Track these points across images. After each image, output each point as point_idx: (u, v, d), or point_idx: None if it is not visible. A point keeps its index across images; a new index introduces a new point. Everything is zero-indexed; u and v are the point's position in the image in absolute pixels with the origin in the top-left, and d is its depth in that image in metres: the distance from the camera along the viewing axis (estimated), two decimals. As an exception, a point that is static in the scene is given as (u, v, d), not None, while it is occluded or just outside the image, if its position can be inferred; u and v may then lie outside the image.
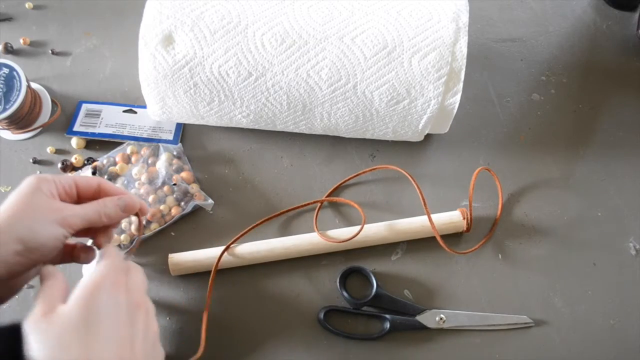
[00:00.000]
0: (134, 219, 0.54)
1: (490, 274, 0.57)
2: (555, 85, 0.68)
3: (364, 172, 0.60)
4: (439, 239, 0.55)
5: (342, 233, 0.56)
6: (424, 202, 0.56)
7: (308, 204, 0.58)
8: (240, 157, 0.61)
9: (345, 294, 0.54)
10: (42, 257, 0.38)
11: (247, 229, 0.56)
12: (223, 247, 0.54)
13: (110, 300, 0.36)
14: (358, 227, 0.56)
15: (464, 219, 0.56)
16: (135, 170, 0.57)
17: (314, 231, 0.56)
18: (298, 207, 0.58)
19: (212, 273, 0.54)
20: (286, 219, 0.58)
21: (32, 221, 0.37)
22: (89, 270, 0.42)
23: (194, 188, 0.58)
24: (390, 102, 0.54)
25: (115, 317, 0.36)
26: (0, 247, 0.36)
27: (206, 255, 0.54)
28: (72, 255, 0.44)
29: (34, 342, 0.33)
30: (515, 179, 0.62)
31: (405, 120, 0.56)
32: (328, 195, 0.59)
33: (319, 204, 0.58)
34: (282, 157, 0.61)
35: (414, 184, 0.58)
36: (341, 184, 0.60)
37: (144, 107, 0.62)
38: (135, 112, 0.62)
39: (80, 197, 0.43)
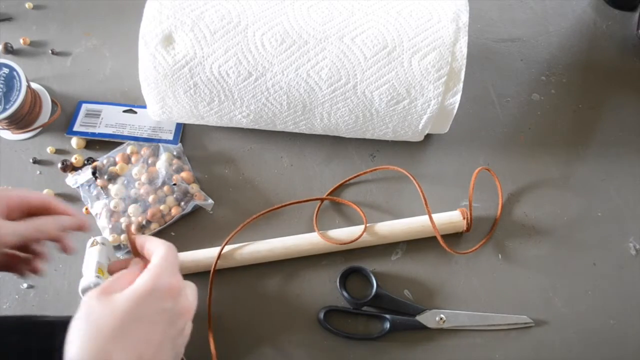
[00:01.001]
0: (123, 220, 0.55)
1: (490, 274, 0.57)
2: (555, 85, 0.68)
3: (364, 173, 0.60)
4: (439, 238, 0.55)
5: (343, 233, 0.56)
6: (425, 201, 0.56)
7: (309, 200, 0.58)
8: (240, 157, 0.61)
9: (345, 294, 0.54)
10: None
11: (243, 224, 0.56)
12: (225, 247, 0.54)
13: (158, 305, 0.38)
14: (358, 227, 0.56)
15: (464, 219, 0.56)
16: (135, 171, 0.57)
17: (314, 231, 0.56)
18: (297, 202, 0.58)
19: (210, 275, 0.54)
20: (286, 219, 0.58)
21: None
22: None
23: (194, 188, 0.58)
24: (390, 102, 0.54)
25: (155, 322, 0.38)
26: None
27: (206, 255, 0.54)
28: (10, 265, 0.44)
29: (79, 313, 0.36)
30: (515, 179, 0.62)
31: (405, 120, 0.56)
32: (328, 195, 0.59)
33: (319, 203, 0.58)
34: (282, 157, 0.61)
35: (415, 184, 0.58)
36: (341, 184, 0.60)
37: (144, 107, 0.62)
38: (135, 112, 0.62)
39: (31, 212, 0.43)
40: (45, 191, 0.58)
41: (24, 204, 0.43)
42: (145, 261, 0.43)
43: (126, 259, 0.43)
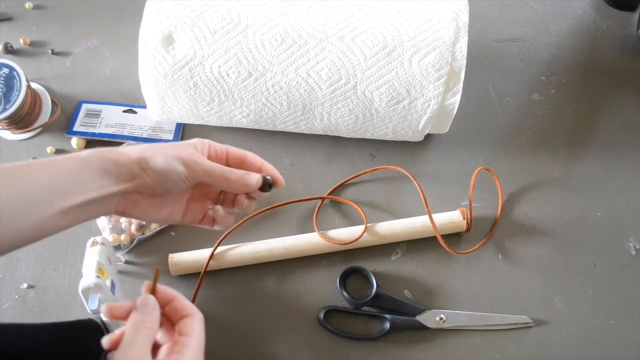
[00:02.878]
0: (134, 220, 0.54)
1: (490, 274, 0.57)
2: (555, 85, 0.68)
3: (364, 173, 0.60)
4: (439, 238, 0.55)
5: (343, 233, 0.56)
6: (425, 201, 0.56)
7: (308, 199, 0.58)
8: (240, 157, 0.61)
9: (345, 294, 0.54)
10: (166, 188, 0.40)
11: (239, 223, 0.56)
12: (224, 247, 0.54)
13: None
14: (358, 227, 0.56)
15: (464, 219, 0.56)
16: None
17: (313, 231, 0.56)
18: (297, 201, 0.58)
19: (201, 275, 0.53)
20: (286, 219, 0.58)
21: (160, 150, 0.40)
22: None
23: (194, 188, 0.58)
24: (390, 102, 0.54)
25: None
26: (125, 157, 0.39)
27: (206, 255, 0.54)
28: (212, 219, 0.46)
29: None
30: (515, 179, 0.62)
31: (405, 120, 0.56)
32: (328, 195, 0.59)
33: (319, 203, 0.58)
34: (282, 157, 0.61)
35: (415, 184, 0.58)
36: (341, 183, 0.60)
37: (144, 107, 0.62)
38: (135, 112, 0.62)
39: (229, 164, 0.45)
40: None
41: (223, 153, 0.45)
42: (159, 300, 0.38)
43: (130, 302, 0.37)
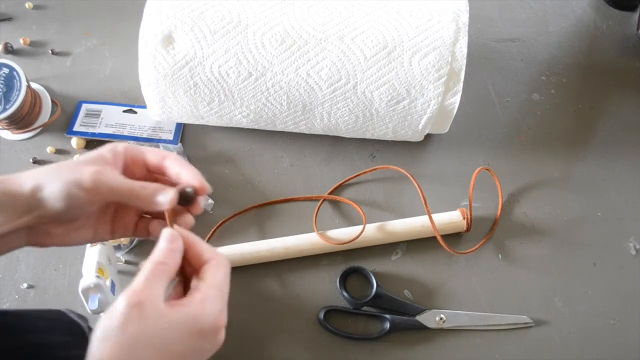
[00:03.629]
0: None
1: (490, 274, 0.57)
2: (555, 85, 0.68)
3: (364, 173, 0.60)
4: (439, 238, 0.55)
5: (342, 233, 0.55)
6: (425, 201, 0.56)
7: (307, 198, 0.58)
8: (240, 157, 0.61)
9: (345, 294, 0.54)
10: (71, 215, 0.36)
11: (234, 213, 0.56)
12: (224, 247, 0.54)
13: (194, 344, 0.34)
14: (358, 227, 0.56)
15: (464, 219, 0.56)
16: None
17: (313, 231, 0.56)
18: (294, 199, 0.58)
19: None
20: (286, 219, 0.58)
21: (57, 174, 0.36)
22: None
23: (194, 188, 0.58)
24: (390, 102, 0.54)
25: (185, 355, 0.33)
26: (17, 188, 0.35)
27: (206, 255, 0.54)
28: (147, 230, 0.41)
29: (110, 323, 0.32)
30: (515, 179, 0.62)
31: (405, 120, 0.56)
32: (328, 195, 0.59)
33: (319, 203, 0.58)
34: (282, 157, 0.61)
35: (415, 184, 0.58)
36: (341, 183, 0.60)
37: (144, 107, 0.62)
38: (135, 112, 0.62)
39: (150, 170, 0.40)
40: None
41: (140, 159, 0.40)
42: (181, 236, 0.36)
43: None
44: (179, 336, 0.33)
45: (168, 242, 0.36)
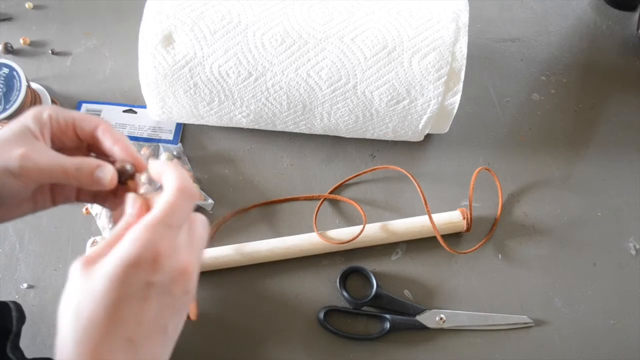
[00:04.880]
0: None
1: (490, 274, 0.57)
2: (555, 85, 0.68)
3: (364, 173, 0.60)
4: (439, 238, 0.55)
5: (342, 233, 0.55)
6: (425, 201, 0.56)
7: (307, 197, 0.58)
8: (240, 157, 0.61)
9: (345, 294, 0.54)
10: (5, 199, 0.34)
11: (231, 213, 0.56)
12: (224, 247, 0.54)
13: (145, 278, 0.31)
14: (358, 227, 0.56)
15: (464, 218, 0.56)
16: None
17: (313, 231, 0.56)
18: (295, 199, 0.58)
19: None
20: (286, 219, 0.58)
21: None
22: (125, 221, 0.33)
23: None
24: (390, 102, 0.54)
25: (145, 298, 0.31)
26: None
27: (206, 255, 0.54)
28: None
29: (65, 292, 0.31)
30: (515, 179, 0.62)
31: (405, 120, 0.56)
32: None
33: (319, 202, 0.58)
34: (282, 157, 0.61)
35: (415, 184, 0.58)
36: (341, 183, 0.60)
37: (144, 107, 0.62)
38: (135, 112, 0.62)
39: (81, 139, 0.37)
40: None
41: (69, 126, 0.36)
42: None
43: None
44: (122, 279, 0.30)
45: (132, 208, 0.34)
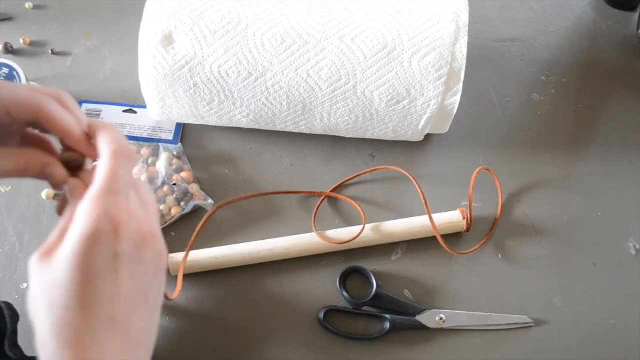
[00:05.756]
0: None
1: (490, 274, 0.57)
2: (555, 85, 0.68)
3: (364, 173, 0.60)
4: (439, 238, 0.55)
5: (342, 233, 0.55)
6: (425, 201, 0.56)
7: (307, 192, 0.58)
8: (240, 157, 0.61)
9: (345, 294, 0.54)
10: None
11: (220, 204, 0.56)
12: (224, 247, 0.54)
13: (108, 251, 0.30)
14: (358, 227, 0.56)
15: (464, 219, 0.56)
16: (135, 170, 0.57)
17: (313, 231, 0.56)
18: (293, 192, 0.58)
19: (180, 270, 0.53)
20: (286, 219, 0.58)
21: None
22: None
23: (194, 188, 0.58)
24: (390, 102, 0.54)
25: (114, 270, 0.30)
26: None
27: (206, 255, 0.54)
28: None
29: (30, 288, 0.30)
30: (515, 179, 0.62)
31: (405, 120, 0.56)
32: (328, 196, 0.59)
33: (319, 201, 0.58)
34: (282, 157, 0.61)
35: (415, 184, 0.58)
36: (341, 183, 0.60)
37: (144, 107, 0.62)
38: (135, 112, 0.62)
39: (13, 117, 0.33)
40: (45, 192, 0.57)
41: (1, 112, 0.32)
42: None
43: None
44: (84, 259, 0.29)
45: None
